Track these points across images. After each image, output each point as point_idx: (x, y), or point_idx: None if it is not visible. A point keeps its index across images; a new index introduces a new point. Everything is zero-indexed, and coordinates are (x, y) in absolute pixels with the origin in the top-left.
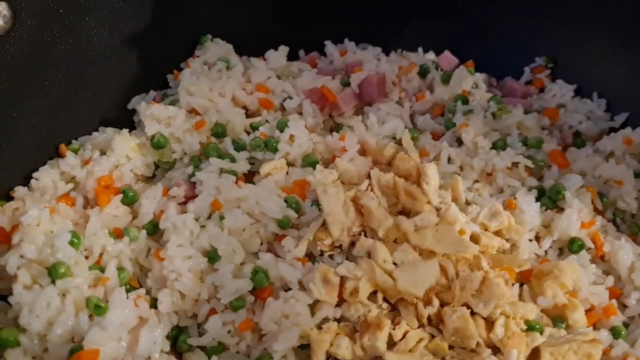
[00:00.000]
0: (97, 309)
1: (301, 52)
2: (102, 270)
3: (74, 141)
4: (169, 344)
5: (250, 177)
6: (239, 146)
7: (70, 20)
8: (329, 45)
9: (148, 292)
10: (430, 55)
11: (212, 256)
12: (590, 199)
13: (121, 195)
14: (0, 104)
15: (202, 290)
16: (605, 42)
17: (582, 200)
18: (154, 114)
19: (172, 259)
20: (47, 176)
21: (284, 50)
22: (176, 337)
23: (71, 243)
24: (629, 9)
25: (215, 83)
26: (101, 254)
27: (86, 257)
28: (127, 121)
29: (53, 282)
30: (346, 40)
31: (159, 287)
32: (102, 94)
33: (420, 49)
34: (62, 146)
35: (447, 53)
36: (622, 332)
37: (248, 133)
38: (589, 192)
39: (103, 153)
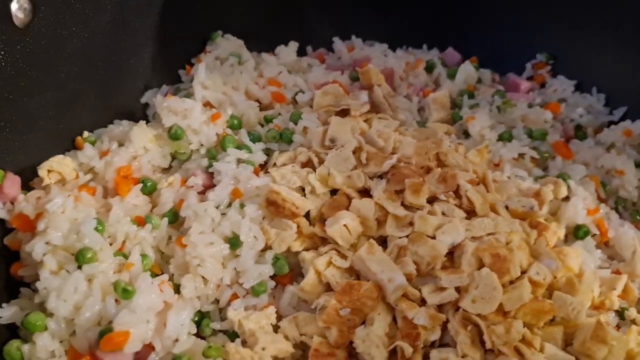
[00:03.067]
0: (124, 292)
1: (309, 49)
2: (126, 256)
3: (90, 133)
4: (195, 327)
5: (265, 168)
6: (254, 138)
7: (86, 15)
8: (337, 42)
9: (170, 279)
10: (435, 52)
11: (233, 243)
12: (594, 188)
13: (140, 185)
14: (20, 96)
15: (224, 275)
16: (604, 39)
17: (586, 189)
18: (170, 106)
19: (194, 245)
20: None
21: (293, 45)
22: (199, 322)
23: (97, 229)
24: (627, 6)
25: (229, 77)
26: (124, 242)
27: (110, 244)
28: (140, 115)
29: (79, 267)
30: (353, 36)
31: (181, 273)
32: (116, 88)
33: (425, 46)
34: (79, 138)
35: (450, 50)
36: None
37: (262, 125)
38: (592, 181)
39: (120, 145)
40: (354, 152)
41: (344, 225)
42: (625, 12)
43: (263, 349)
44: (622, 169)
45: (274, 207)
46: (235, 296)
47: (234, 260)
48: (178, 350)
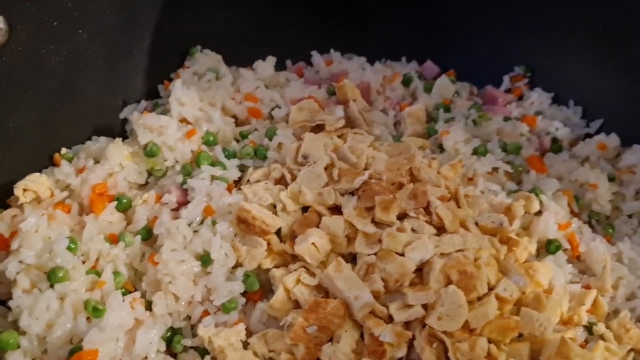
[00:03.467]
0: (95, 311)
1: (288, 62)
2: (99, 274)
3: (67, 150)
4: (164, 344)
5: (239, 184)
6: (229, 154)
7: (63, 32)
8: (315, 55)
9: (143, 296)
10: (413, 65)
11: (205, 260)
12: (566, 202)
13: (115, 202)
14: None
15: (195, 292)
16: (581, 52)
17: (558, 203)
18: (146, 123)
19: (166, 263)
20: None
21: (271, 60)
22: (170, 339)
23: (69, 248)
24: (603, 20)
25: (206, 93)
26: (97, 259)
27: (83, 262)
28: (119, 130)
29: (52, 286)
30: (332, 50)
31: (153, 290)
32: (94, 104)
33: (403, 59)
34: (57, 155)
35: (429, 63)
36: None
37: (237, 141)
38: (565, 196)
39: (97, 161)
40: (326, 169)
41: (312, 243)
42: (602, 27)
43: None
44: (595, 183)
45: (245, 225)
46: (206, 313)
47: (205, 278)
48: None
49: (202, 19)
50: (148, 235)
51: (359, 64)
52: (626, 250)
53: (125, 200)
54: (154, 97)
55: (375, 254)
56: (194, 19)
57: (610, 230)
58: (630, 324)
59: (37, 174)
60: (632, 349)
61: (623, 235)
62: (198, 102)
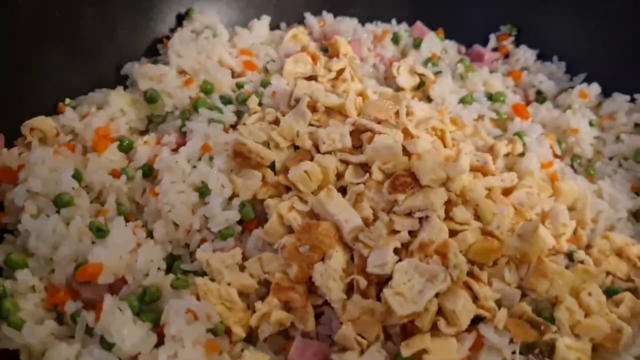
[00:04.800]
0: (99, 231)
1: (282, 25)
2: (102, 204)
3: (71, 100)
4: (165, 264)
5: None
6: (226, 100)
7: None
8: (309, 17)
9: (144, 225)
10: (403, 26)
11: (203, 191)
12: (549, 144)
13: (117, 143)
14: (11, 64)
15: (193, 221)
16: (564, 9)
17: (541, 145)
18: (146, 72)
19: (166, 193)
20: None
21: (266, 19)
22: (171, 264)
23: (74, 177)
24: None
25: (203, 47)
26: (100, 192)
27: (87, 193)
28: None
29: (58, 211)
30: (324, 12)
31: (154, 220)
32: (97, 61)
33: (394, 20)
34: (61, 104)
35: (418, 23)
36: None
37: (234, 92)
38: (548, 139)
39: (100, 109)
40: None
41: (305, 171)
42: None
43: (229, 284)
44: (576, 128)
45: (241, 158)
46: (204, 240)
47: (203, 207)
48: (148, 283)
49: None
50: (149, 172)
51: (351, 25)
52: (606, 188)
53: (127, 142)
54: (154, 55)
55: (364, 183)
56: None
57: (591, 171)
58: (610, 252)
59: (43, 117)
60: (609, 273)
61: (604, 176)
62: (196, 55)
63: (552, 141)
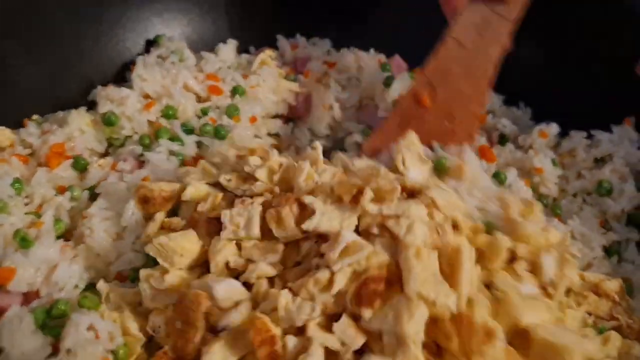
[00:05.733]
0: (22, 241)
1: (252, 49)
2: (39, 217)
3: (39, 117)
4: (84, 282)
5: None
6: (187, 130)
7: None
8: (281, 40)
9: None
10: (381, 57)
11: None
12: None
13: (72, 161)
14: None
15: (110, 252)
16: (532, 53)
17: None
18: (108, 94)
19: (91, 218)
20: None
21: (233, 43)
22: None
23: (13, 185)
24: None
25: (168, 72)
26: (41, 205)
27: (26, 204)
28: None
29: None
30: (297, 35)
31: (77, 243)
32: (68, 84)
33: (372, 50)
34: (26, 120)
35: (397, 57)
36: None
37: (199, 117)
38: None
39: (61, 127)
40: None
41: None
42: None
43: None
44: (540, 167)
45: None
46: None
47: (117, 241)
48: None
49: (170, 11)
50: (95, 195)
51: (322, 50)
52: (576, 227)
53: (82, 162)
54: (123, 81)
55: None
56: (161, 11)
57: (557, 210)
58: (587, 292)
59: (3, 127)
60: (590, 313)
61: (571, 214)
62: (160, 79)
63: (526, 184)
